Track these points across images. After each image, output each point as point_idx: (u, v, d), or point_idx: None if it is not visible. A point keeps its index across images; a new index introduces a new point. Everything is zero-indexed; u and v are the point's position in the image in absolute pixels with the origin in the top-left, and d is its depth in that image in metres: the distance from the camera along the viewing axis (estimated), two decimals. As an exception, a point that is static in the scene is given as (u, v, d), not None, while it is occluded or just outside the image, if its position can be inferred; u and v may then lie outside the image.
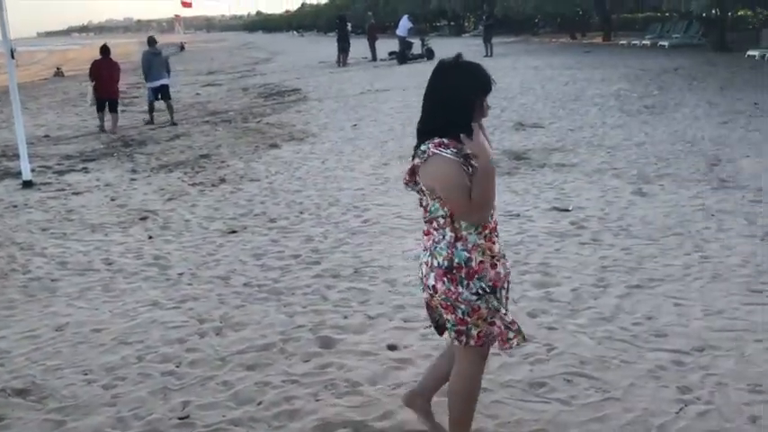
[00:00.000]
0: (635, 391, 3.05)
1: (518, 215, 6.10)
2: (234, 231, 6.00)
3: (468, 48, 30.43)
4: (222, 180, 8.05)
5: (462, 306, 2.42)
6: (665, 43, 24.22)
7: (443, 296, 2.43)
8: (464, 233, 2.41)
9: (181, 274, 4.98)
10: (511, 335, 2.50)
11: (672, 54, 20.93)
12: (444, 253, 2.41)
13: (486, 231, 2.45)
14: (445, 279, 2.41)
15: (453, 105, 2.39)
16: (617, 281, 4.43)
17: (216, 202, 7.04)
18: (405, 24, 24.67)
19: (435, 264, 2.43)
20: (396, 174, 7.98)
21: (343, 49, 24.76)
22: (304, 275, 4.81)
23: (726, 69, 15.97)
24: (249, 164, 8.90)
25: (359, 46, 27.47)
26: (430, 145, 2.38)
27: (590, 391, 2.95)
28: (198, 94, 18.11)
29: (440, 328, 2.66)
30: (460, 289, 2.40)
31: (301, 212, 6.51)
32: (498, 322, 2.47)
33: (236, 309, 4.29)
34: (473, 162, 2.38)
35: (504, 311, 2.49)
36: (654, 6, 24.61)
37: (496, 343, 2.52)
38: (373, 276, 4.72)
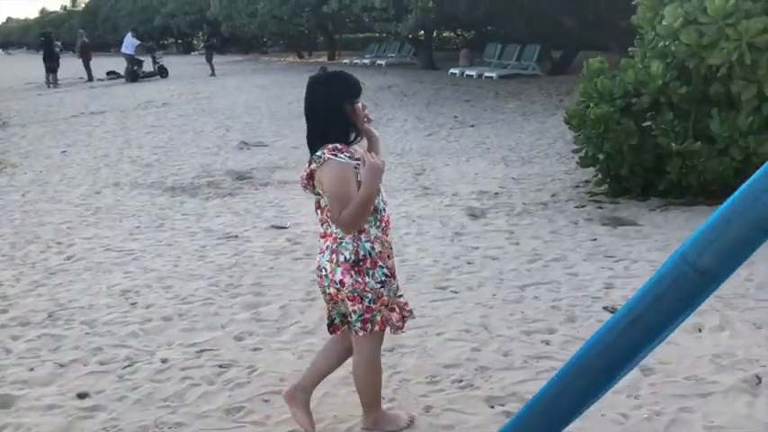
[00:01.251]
0: (328, 399, 3.16)
1: (236, 236, 6.08)
2: None
3: (195, 66, 29.88)
4: None
5: (369, 295, 2.65)
6: (383, 62, 26.04)
7: (351, 288, 2.63)
8: (366, 226, 2.65)
9: None
10: (406, 313, 2.83)
11: (388, 72, 22.57)
12: (350, 247, 2.63)
13: (383, 225, 2.72)
14: (353, 272, 2.62)
15: (329, 116, 2.64)
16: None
17: None
18: (130, 42, 23.44)
19: (342, 259, 2.63)
20: (109, 202, 7.48)
21: (51, 68, 22.73)
22: (-15, 328, 4.25)
23: (432, 86, 17.66)
24: (-72, 203, 7.69)
25: (74, 66, 25.40)
26: (324, 150, 2.59)
27: (285, 407, 2.99)
28: None
29: (332, 326, 2.84)
30: (367, 279, 2.64)
31: (-10, 255, 5.77)
32: (397, 308, 2.77)
33: None
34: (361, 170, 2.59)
35: (400, 294, 2.80)
36: (369, 28, 26.31)
37: (389, 327, 2.79)
38: (70, 319, 4.32)
